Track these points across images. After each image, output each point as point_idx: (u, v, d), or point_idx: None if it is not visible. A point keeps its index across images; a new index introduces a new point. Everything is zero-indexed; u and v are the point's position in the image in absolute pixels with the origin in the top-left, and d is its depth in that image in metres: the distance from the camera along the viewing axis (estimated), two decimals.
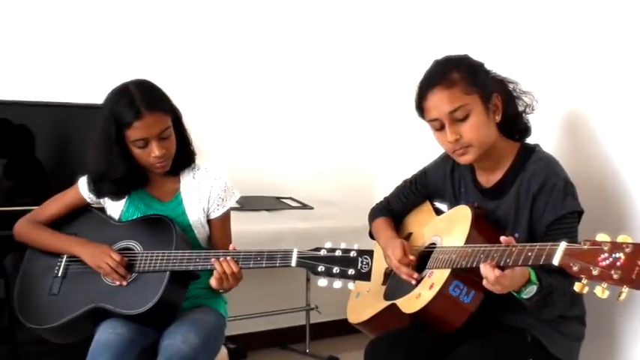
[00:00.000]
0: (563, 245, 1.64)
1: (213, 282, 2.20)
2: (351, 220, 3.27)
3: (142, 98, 2.21)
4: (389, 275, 2.42)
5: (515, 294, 1.88)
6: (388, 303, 2.25)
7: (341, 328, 3.09)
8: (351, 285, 2.07)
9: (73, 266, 2.33)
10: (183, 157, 2.39)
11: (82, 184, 2.42)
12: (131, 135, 2.23)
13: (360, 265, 2.05)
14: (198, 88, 3.64)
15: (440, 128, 2.11)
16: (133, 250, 2.30)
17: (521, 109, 2.22)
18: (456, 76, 2.06)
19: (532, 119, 2.25)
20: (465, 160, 2.13)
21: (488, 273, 1.81)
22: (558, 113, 2.66)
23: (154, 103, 2.24)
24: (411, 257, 2.22)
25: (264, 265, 2.14)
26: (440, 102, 2.07)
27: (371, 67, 4.14)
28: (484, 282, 1.85)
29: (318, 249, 2.09)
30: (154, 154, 2.24)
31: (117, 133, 2.23)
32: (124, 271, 2.23)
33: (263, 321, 3.77)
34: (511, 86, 2.23)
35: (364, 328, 2.44)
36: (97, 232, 2.36)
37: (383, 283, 2.43)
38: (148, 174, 2.39)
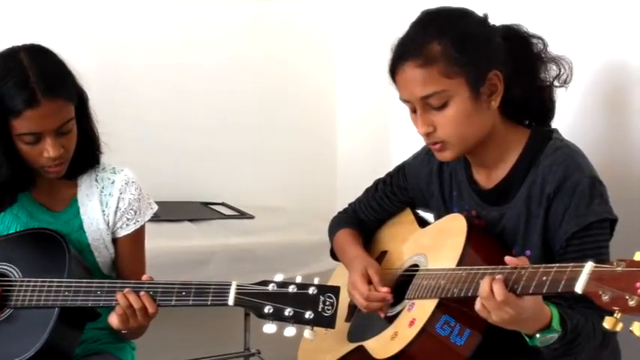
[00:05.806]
0: (589, 266, 1.63)
1: (114, 320, 2.18)
2: (307, 234, 3.32)
3: (39, 77, 2.15)
4: (355, 309, 2.43)
5: (527, 338, 1.88)
6: (354, 345, 2.28)
7: None
8: (307, 333, 2.03)
9: None
10: (85, 156, 2.36)
11: None
12: (18, 127, 2.18)
13: (321, 306, 2.02)
14: (97, 59, 3.59)
15: (414, 111, 2.13)
16: (7, 276, 2.27)
17: (547, 78, 2.19)
18: (437, 49, 2.03)
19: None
20: (443, 157, 2.17)
21: (485, 289, 1.80)
22: (582, 79, 2.48)
23: (57, 86, 2.19)
24: (383, 289, 2.23)
25: (190, 302, 2.13)
26: (411, 82, 2.07)
27: (326, 12, 4.12)
28: (477, 304, 1.84)
29: (265, 282, 2.07)
30: (47, 153, 2.21)
31: (1, 121, 2.18)
32: None
33: None
34: (537, 46, 2.19)
35: None
36: None
37: (347, 320, 2.45)
38: (33, 174, 2.35)
